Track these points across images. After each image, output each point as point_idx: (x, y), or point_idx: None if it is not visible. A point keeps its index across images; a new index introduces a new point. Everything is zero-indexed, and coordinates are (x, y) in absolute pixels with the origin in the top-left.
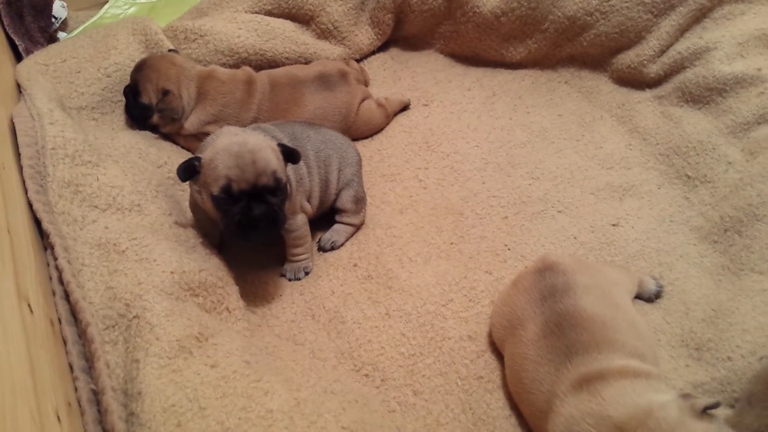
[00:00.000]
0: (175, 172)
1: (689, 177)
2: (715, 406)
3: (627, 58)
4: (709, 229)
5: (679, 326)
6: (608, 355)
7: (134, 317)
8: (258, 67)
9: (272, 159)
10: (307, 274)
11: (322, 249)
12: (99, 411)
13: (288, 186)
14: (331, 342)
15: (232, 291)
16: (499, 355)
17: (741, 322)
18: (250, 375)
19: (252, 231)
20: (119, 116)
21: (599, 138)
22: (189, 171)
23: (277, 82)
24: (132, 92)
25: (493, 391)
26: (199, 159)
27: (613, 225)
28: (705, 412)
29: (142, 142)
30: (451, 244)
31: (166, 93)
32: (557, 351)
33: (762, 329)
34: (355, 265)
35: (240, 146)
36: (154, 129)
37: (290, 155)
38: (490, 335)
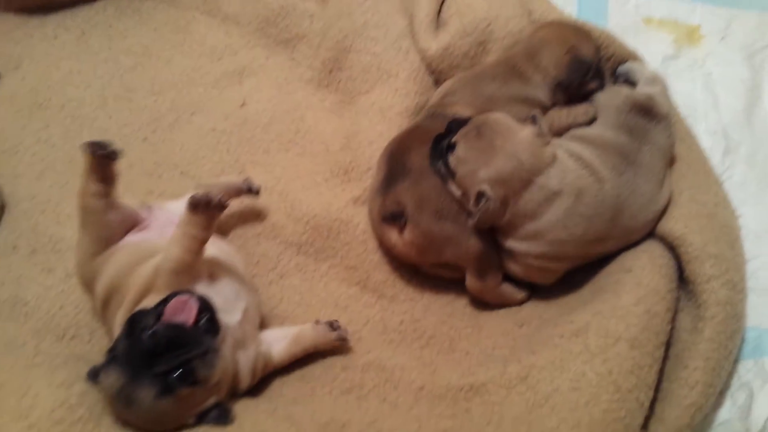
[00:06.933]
0: None
1: (287, 40)
2: None
3: None
4: (318, 76)
5: (325, 163)
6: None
7: None
8: None
9: None
10: None
11: None
12: None
13: None
14: (22, 327)
15: None
16: None
17: (366, 137)
18: None
19: None
20: None
21: (199, 36)
22: None
23: None
24: None
25: None
26: None
27: (242, 105)
28: None
29: None
30: None
31: None
32: None
33: (381, 135)
34: (14, 248)
35: None
36: None
37: None
38: None
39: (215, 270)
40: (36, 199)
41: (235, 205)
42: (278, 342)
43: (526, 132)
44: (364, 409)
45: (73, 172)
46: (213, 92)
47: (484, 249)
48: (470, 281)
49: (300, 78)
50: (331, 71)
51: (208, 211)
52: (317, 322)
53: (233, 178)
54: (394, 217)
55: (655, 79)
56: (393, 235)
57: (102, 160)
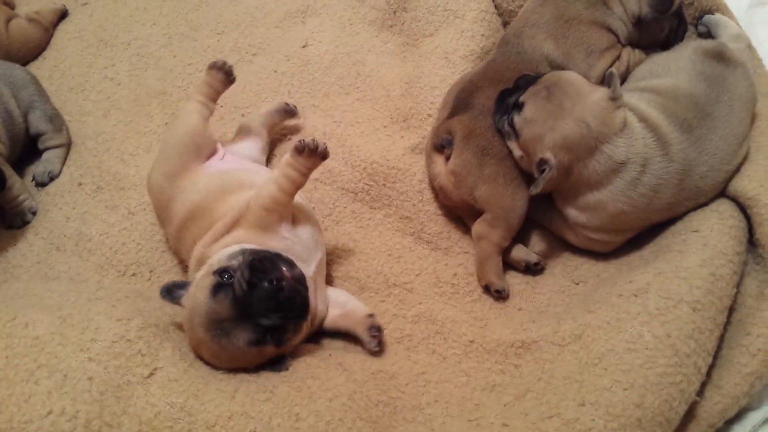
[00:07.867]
0: None
1: None
2: None
3: None
4: (382, 17)
5: (385, 109)
6: None
7: None
8: None
9: None
10: (34, 214)
11: (41, 185)
12: None
13: None
14: (86, 262)
15: None
16: None
17: (428, 83)
18: (2, 318)
19: None
20: None
21: None
22: None
23: None
24: None
25: None
26: None
27: (304, 47)
28: None
29: None
30: (166, 124)
31: None
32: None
33: (444, 80)
34: (79, 185)
35: None
36: None
37: None
38: None
39: (298, 215)
40: (101, 137)
41: None
42: (332, 308)
43: (598, 95)
44: (413, 361)
45: (137, 111)
46: (276, 32)
47: (517, 206)
48: (478, 225)
49: (363, 18)
50: (396, 12)
51: (312, 157)
52: (370, 315)
53: (273, 105)
54: (443, 145)
55: (740, 36)
56: (439, 164)
57: (224, 77)
